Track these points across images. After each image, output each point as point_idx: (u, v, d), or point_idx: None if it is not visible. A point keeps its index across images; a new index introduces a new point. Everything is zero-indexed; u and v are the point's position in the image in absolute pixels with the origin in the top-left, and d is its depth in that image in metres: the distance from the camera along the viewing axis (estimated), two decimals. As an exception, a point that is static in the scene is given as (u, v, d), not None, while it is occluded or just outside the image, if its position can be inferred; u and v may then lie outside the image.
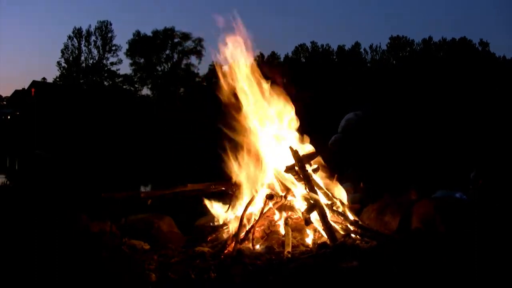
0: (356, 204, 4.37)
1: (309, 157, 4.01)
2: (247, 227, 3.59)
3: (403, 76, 48.45)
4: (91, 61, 57.21)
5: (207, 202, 4.17)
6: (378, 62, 58.45)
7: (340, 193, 4.13)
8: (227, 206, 4.12)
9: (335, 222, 3.64)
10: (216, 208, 4.17)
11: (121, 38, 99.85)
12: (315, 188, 3.72)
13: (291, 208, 3.82)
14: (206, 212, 4.23)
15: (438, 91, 40.66)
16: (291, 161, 3.87)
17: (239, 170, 4.15)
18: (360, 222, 3.74)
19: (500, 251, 2.89)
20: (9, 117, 50.69)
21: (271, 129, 4.20)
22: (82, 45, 57.28)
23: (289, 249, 3.28)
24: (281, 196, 3.78)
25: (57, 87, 54.03)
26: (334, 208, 3.78)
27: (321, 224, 3.48)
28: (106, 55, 57.66)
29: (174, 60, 58.32)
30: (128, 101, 50.21)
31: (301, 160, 3.80)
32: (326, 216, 3.47)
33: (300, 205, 3.79)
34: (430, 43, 58.44)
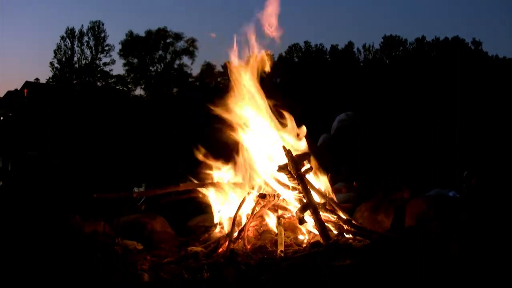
0: (349, 203, 4.38)
1: (302, 157, 4.01)
2: (240, 227, 3.59)
3: (396, 75, 48.57)
4: (84, 62, 57.00)
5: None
6: (371, 61, 58.54)
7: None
8: (220, 205, 4.12)
9: (328, 221, 3.64)
10: (209, 208, 4.18)
11: (114, 38, 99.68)
12: (308, 187, 3.72)
13: (284, 207, 3.82)
14: (199, 212, 4.23)
15: (431, 90, 40.77)
16: (284, 160, 3.87)
17: (232, 169, 4.16)
18: (353, 221, 3.75)
19: (494, 249, 2.90)
20: (1, 118, 50.45)
21: (264, 128, 4.19)
22: (75, 46, 57.05)
23: (282, 248, 3.28)
24: (274, 195, 3.79)
25: (50, 88, 53.80)
26: (328, 207, 3.78)
27: (314, 223, 3.48)
28: (99, 56, 57.49)
29: (167, 60, 58.30)
30: (121, 102, 50.11)
31: (294, 160, 3.80)
32: (320, 215, 3.47)
33: (293, 204, 3.80)
34: (423, 42, 58.56)
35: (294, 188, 3.77)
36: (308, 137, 4.25)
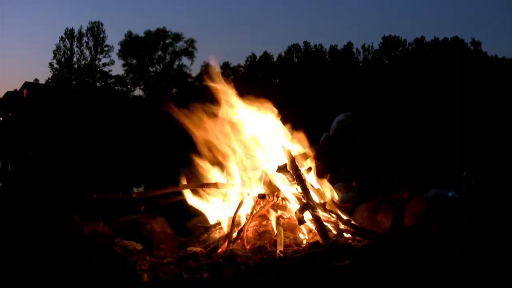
0: (348, 203, 4.38)
1: (302, 157, 4.02)
2: (240, 227, 3.59)
3: (396, 75, 48.61)
4: (83, 62, 57.01)
5: (197, 202, 4.17)
6: (370, 62, 58.58)
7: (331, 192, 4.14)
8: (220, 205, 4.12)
9: (327, 221, 3.64)
10: (208, 208, 4.17)
11: (113, 38, 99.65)
12: (308, 187, 3.72)
13: (283, 207, 3.82)
14: (198, 212, 4.22)
15: (430, 91, 40.82)
16: (283, 160, 3.87)
17: (231, 170, 4.15)
18: (352, 221, 3.75)
19: (494, 249, 2.90)
20: (1, 118, 50.44)
21: (262, 128, 4.19)
22: (74, 46, 57.08)
23: (281, 249, 3.28)
24: (273, 195, 3.79)
25: (49, 88, 53.81)
26: (327, 207, 3.78)
27: (313, 223, 3.48)
28: (98, 56, 57.50)
29: (166, 61, 58.33)
30: (120, 102, 50.14)
31: (293, 160, 3.80)
32: (319, 216, 3.47)
33: (293, 205, 3.80)
34: (422, 43, 58.59)
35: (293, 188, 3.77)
36: (308, 137, 4.25)
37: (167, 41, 58.37)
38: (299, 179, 3.69)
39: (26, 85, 55.37)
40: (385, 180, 4.82)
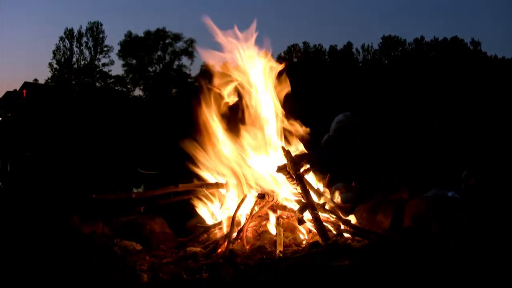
0: (348, 204, 4.38)
1: (301, 157, 4.01)
2: (239, 227, 3.59)
3: (395, 75, 48.56)
4: (82, 62, 56.95)
5: (197, 203, 4.17)
6: (370, 62, 58.53)
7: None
8: (219, 206, 4.12)
9: (327, 221, 3.64)
10: (207, 209, 4.17)
11: (113, 39, 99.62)
12: (307, 187, 3.72)
13: (283, 207, 3.82)
14: (197, 212, 4.23)
15: (430, 91, 40.79)
16: (283, 161, 3.87)
17: (231, 169, 4.15)
18: (352, 221, 3.75)
19: (494, 249, 2.90)
20: (1, 118, 50.39)
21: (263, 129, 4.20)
22: (74, 46, 57.00)
23: (281, 249, 3.28)
24: (273, 195, 3.78)
25: (49, 89, 53.77)
26: (326, 207, 3.78)
27: (313, 223, 3.48)
28: (98, 56, 57.44)
29: (166, 61, 58.26)
30: (120, 102, 50.12)
31: (293, 160, 3.79)
32: (318, 216, 3.47)
33: (292, 205, 3.80)
34: (422, 43, 58.55)
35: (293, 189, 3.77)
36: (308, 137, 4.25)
37: (167, 41, 58.31)
38: (299, 179, 3.69)
39: (26, 85, 55.30)
40: (385, 180, 4.81)
